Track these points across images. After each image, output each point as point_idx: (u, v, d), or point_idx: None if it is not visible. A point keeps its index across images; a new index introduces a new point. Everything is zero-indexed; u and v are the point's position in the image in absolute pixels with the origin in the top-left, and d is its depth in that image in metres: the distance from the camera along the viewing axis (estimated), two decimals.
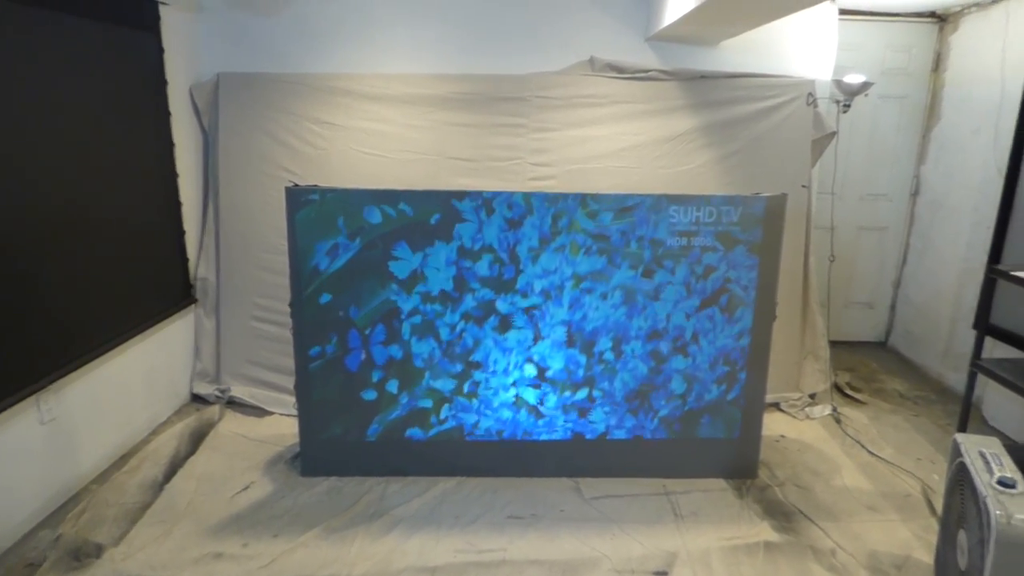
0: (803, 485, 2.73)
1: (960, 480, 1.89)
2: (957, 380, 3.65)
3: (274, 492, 2.63)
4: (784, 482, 2.75)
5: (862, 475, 2.83)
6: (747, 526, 2.45)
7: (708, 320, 2.62)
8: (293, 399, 2.70)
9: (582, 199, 2.53)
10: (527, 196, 2.52)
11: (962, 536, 1.84)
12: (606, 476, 2.73)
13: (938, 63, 4.04)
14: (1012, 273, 2.63)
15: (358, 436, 2.69)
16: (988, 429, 3.24)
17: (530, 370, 2.67)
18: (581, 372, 2.67)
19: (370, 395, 2.66)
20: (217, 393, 3.38)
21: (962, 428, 2.90)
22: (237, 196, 3.41)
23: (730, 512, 2.54)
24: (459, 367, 2.65)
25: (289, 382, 2.86)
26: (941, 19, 3.98)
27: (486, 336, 2.63)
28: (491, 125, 3.39)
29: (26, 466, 2.37)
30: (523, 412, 2.70)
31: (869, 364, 4.14)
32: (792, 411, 3.38)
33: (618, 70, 3.40)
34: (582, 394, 2.69)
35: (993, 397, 3.31)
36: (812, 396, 3.48)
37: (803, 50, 3.48)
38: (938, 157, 4.04)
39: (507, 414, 2.71)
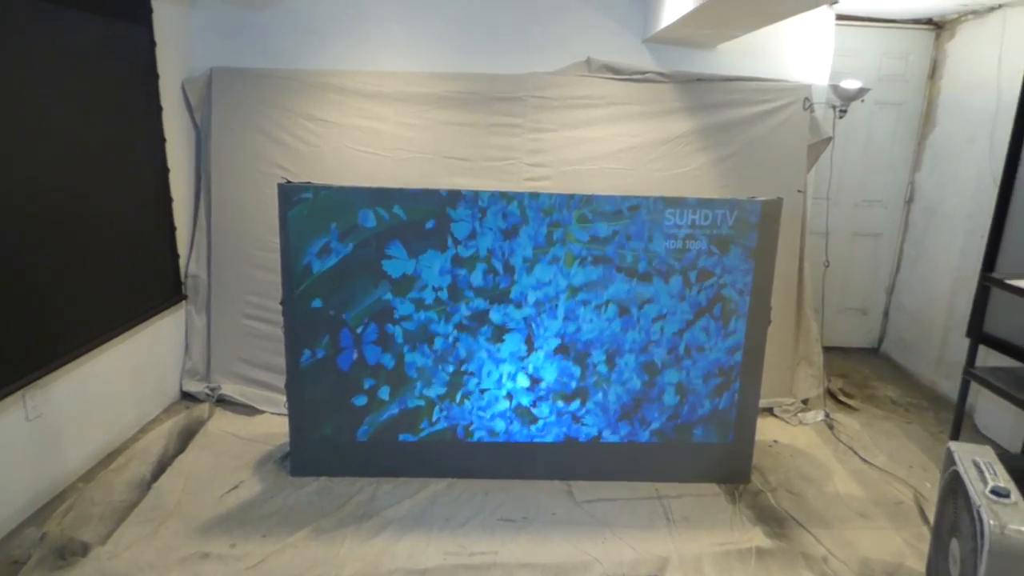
0: (795, 491, 2.73)
1: (953, 489, 1.88)
2: (949, 388, 3.66)
3: (263, 492, 2.60)
4: (777, 488, 2.75)
5: (854, 482, 2.82)
6: (739, 532, 2.44)
7: (703, 332, 2.61)
8: (284, 398, 2.67)
9: (578, 208, 2.50)
10: (522, 206, 2.50)
11: (955, 545, 1.83)
12: (598, 479, 2.71)
13: (934, 70, 4.05)
14: (1007, 282, 2.63)
15: (349, 436, 2.67)
16: (980, 437, 3.25)
17: (523, 381, 2.65)
18: (574, 384, 2.66)
19: (361, 400, 2.64)
20: (207, 391, 3.34)
21: (955, 436, 2.90)
22: (230, 193, 3.37)
23: (722, 517, 2.53)
24: (451, 377, 2.63)
25: (280, 381, 2.84)
26: (938, 26, 3.99)
27: (479, 347, 2.61)
28: (487, 125, 3.38)
29: (11, 463, 2.33)
30: (515, 423, 2.69)
31: (862, 370, 4.14)
32: (785, 416, 3.38)
33: (615, 71, 3.39)
34: (575, 405, 2.68)
35: (985, 405, 3.32)
36: (805, 402, 3.48)
37: (800, 55, 3.47)
38: (933, 164, 4.05)
39: (500, 424, 2.69)
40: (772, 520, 2.52)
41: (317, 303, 2.54)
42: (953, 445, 1.96)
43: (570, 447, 2.72)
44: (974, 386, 2.83)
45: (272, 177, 3.15)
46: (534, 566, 2.22)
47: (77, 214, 2.57)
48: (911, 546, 2.39)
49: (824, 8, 3.36)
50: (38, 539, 2.22)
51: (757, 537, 2.40)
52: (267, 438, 3.00)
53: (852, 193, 4.26)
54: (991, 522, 1.64)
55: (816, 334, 3.54)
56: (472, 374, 2.64)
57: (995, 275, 2.78)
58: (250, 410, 3.27)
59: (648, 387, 2.65)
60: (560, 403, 2.67)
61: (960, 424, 2.89)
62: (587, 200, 2.51)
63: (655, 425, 2.69)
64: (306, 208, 2.47)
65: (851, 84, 3.37)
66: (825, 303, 3.84)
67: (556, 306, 2.58)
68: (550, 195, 2.51)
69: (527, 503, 2.57)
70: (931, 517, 2.23)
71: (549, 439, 2.71)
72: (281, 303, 2.56)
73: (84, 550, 2.19)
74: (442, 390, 2.64)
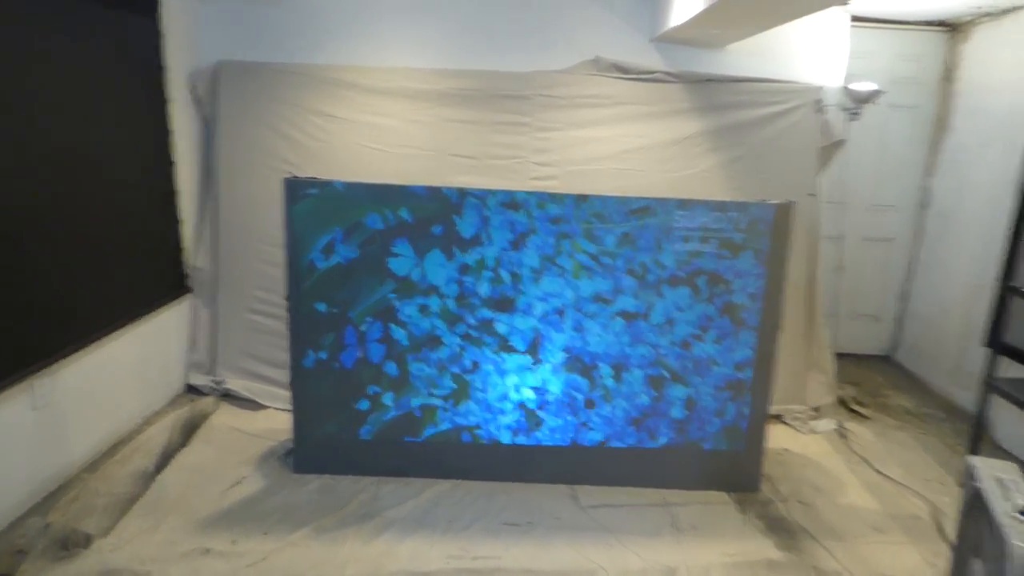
0: (807, 502, 2.66)
1: (976, 507, 1.81)
2: (966, 398, 3.57)
3: (266, 488, 2.57)
4: (787, 498, 2.68)
5: (868, 494, 2.75)
6: (749, 543, 2.38)
7: (713, 343, 2.55)
8: (288, 394, 2.64)
9: (586, 220, 2.46)
10: (531, 215, 2.46)
11: (977, 566, 1.77)
12: (604, 484, 2.67)
13: (949, 73, 3.98)
14: None
15: (352, 435, 2.64)
16: (999, 451, 3.15)
17: (528, 394, 2.61)
18: (581, 397, 2.61)
19: (364, 405, 2.61)
20: (212, 384, 3.32)
21: (974, 449, 2.82)
22: (238, 187, 3.35)
23: (732, 527, 2.47)
24: (456, 387, 2.60)
25: (285, 376, 2.81)
26: (952, 28, 3.91)
27: (485, 359, 2.58)
28: (494, 123, 3.34)
29: (17, 451, 2.32)
30: (521, 427, 2.65)
31: (874, 378, 4.07)
32: (796, 424, 3.32)
33: (623, 71, 3.35)
34: (581, 417, 2.64)
35: (1005, 417, 3.21)
36: (816, 409, 3.41)
37: (812, 56, 3.41)
38: (948, 169, 3.98)
39: (505, 429, 2.66)
40: (783, 531, 2.46)
41: (321, 300, 2.51)
42: (975, 460, 1.90)
43: (575, 451, 2.67)
44: (992, 397, 2.75)
45: (280, 172, 3.11)
46: (538, 572, 2.18)
47: (83, 206, 2.55)
48: (930, 564, 2.31)
49: (837, 9, 3.30)
50: (42, 529, 2.21)
51: (768, 549, 2.35)
52: (270, 434, 2.97)
53: (864, 197, 4.19)
54: (1018, 544, 1.57)
55: (828, 340, 3.48)
56: (479, 388, 2.60)
57: (1015, 284, 2.70)
58: (254, 405, 3.24)
59: (656, 401, 2.61)
60: (567, 415, 2.64)
61: (979, 437, 2.80)
62: (596, 210, 2.46)
63: (663, 440, 2.65)
64: (312, 203, 2.45)
65: (864, 86, 3.31)
66: (837, 309, 3.77)
67: (563, 318, 2.54)
68: (558, 203, 2.46)
69: (531, 507, 2.53)
70: (950, 533, 2.16)
71: (554, 443, 2.67)
72: (285, 298, 2.53)
73: (87, 541, 2.18)
74: (446, 399, 2.61)
